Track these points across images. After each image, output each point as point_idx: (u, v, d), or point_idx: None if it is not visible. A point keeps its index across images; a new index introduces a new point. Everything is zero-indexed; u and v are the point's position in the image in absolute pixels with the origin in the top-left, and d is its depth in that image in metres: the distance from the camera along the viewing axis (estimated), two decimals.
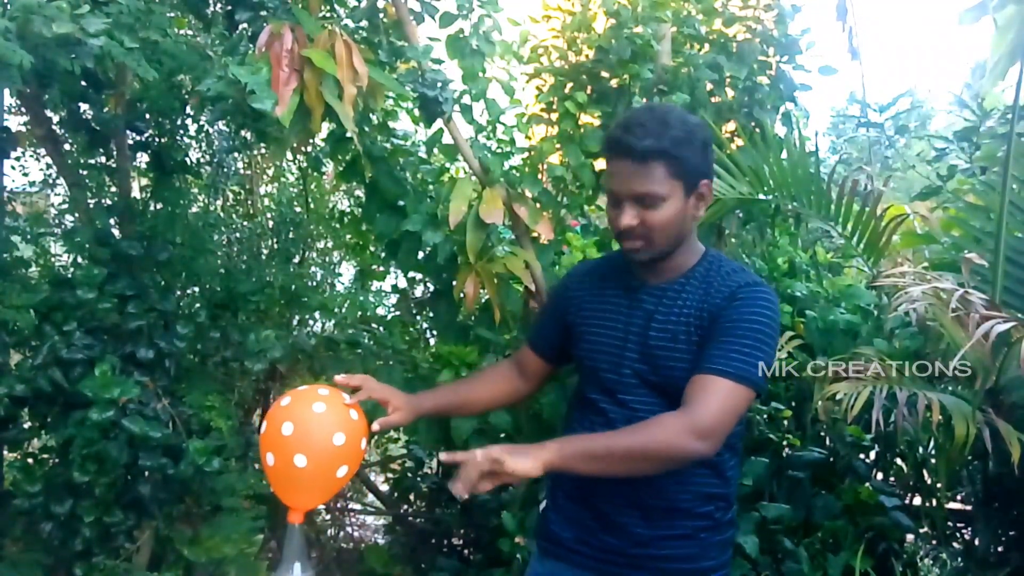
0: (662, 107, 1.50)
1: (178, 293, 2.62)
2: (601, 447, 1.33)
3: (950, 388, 2.15)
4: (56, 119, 2.43)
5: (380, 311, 3.12)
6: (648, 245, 1.44)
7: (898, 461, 2.93)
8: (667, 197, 1.39)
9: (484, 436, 2.29)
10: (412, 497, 3.28)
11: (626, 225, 1.42)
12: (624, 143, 1.39)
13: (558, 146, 2.49)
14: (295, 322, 3.05)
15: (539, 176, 2.48)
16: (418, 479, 3.22)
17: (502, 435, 2.36)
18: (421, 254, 2.44)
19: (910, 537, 2.68)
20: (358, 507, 3.48)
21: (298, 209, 3.21)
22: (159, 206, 2.58)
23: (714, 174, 1.50)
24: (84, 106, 2.42)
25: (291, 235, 3.13)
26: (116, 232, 2.43)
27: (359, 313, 2.92)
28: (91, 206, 2.47)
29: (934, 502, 2.71)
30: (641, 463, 1.34)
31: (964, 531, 2.72)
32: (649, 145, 1.36)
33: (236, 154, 3.07)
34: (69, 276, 2.31)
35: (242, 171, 3.23)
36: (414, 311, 3.10)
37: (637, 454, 1.32)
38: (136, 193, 2.65)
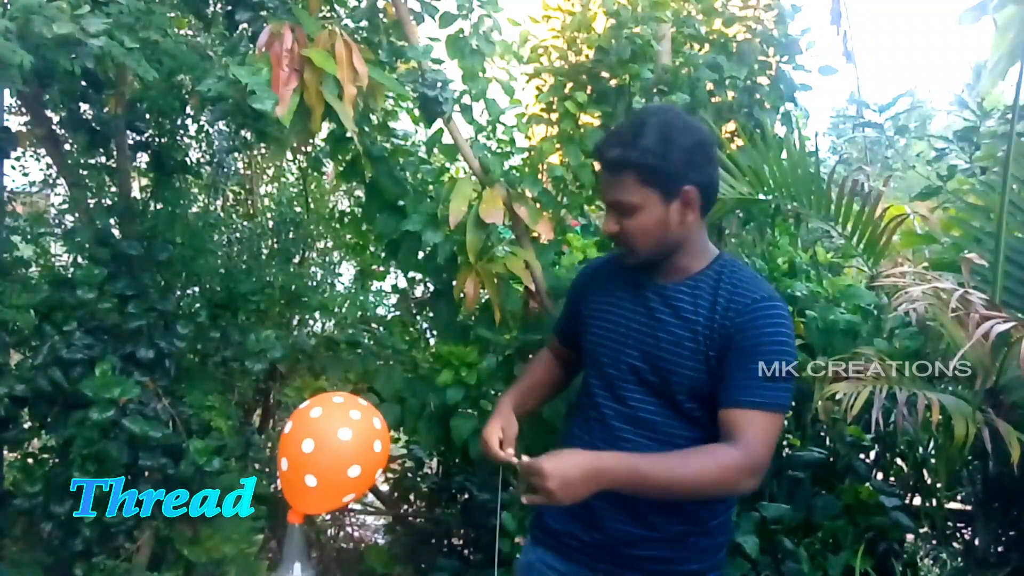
0: (648, 113, 1.46)
1: (178, 293, 2.62)
2: (652, 474, 1.31)
3: (950, 388, 2.15)
4: (56, 119, 2.43)
5: (380, 311, 3.12)
6: (631, 251, 1.44)
7: (898, 461, 2.93)
8: (640, 205, 1.38)
9: None
10: (412, 497, 3.28)
11: (607, 231, 1.45)
12: (598, 153, 1.43)
13: (558, 146, 2.49)
14: (295, 322, 3.05)
15: (539, 176, 2.48)
16: (418, 479, 3.22)
17: None
18: (421, 254, 2.44)
19: (910, 537, 2.68)
20: (358, 507, 3.47)
21: (298, 209, 3.21)
22: (159, 206, 2.58)
23: (710, 176, 1.44)
24: (84, 106, 2.42)
25: (291, 235, 3.13)
26: (116, 232, 2.43)
27: (359, 313, 2.92)
28: (91, 206, 2.47)
29: (934, 502, 2.71)
30: (694, 494, 1.37)
31: (964, 531, 2.72)
32: (616, 155, 1.38)
33: (236, 154, 3.07)
34: (69, 276, 2.31)
35: (242, 171, 3.23)
36: (414, 311, 3.10)
37: (690, 486, 1.33)
38: (136, 193, 2.65)
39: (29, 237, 2.40)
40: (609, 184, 1.41)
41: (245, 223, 3.19)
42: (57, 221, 2.65)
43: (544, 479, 1.24)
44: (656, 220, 1.39)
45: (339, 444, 1.38)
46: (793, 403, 2.99)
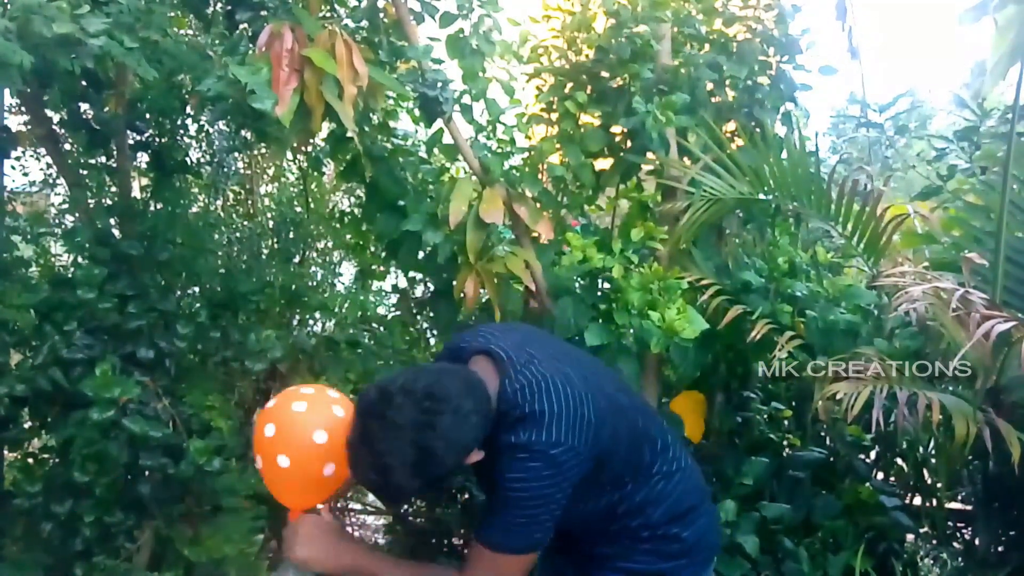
0: (370, 464, 1.28)
1: (178, 293, 2.62)
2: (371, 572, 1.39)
3: (950, 388, 2.15)
4: (56, 119, 2.43)
5: (380, 311, 3.12)
6: None
7: (898, 461, 2.93)
8: None
9: None
10: (412, 497, 3.27)
11: None
12: None
13: (558, 146, 2.49)
14: (295, 322, 3.04)
15: (539, 176, 2.48)
16: None
17: None
18: (421, 254, 2.44)
19: (910, 537, 2.68)
20: (358, 507, 3.47)
21: (298, 209, 3.21)
22: (159, 206, 2.58)
23: (474, 443, 1.29)
24: (84, 106, 2.42)
25: (291, 235, 3.13)
26: (116, 232, 2.44)
27: (359, 313, 2.92)
28: (91, 206, 2.47)
29: (934, 502, 2.71)
30: None
31: (964, 531, 2.72)
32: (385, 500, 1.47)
33: (236, 154, 3.07)
34: (69, 276, 2.31)
35: (242, 171, 3.23)
36: (414, 311, 3.10)
37: None
38: (136, 193, 2.65)
39: (29, 237, 2.40)
40: None
41: (245, 223, 3.19)
42: (57, 221, 2.65)
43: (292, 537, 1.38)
44: None
45: (296, 415, 1.39)
46: (793, 403, 3.00)
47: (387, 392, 1.25)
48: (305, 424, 1.39)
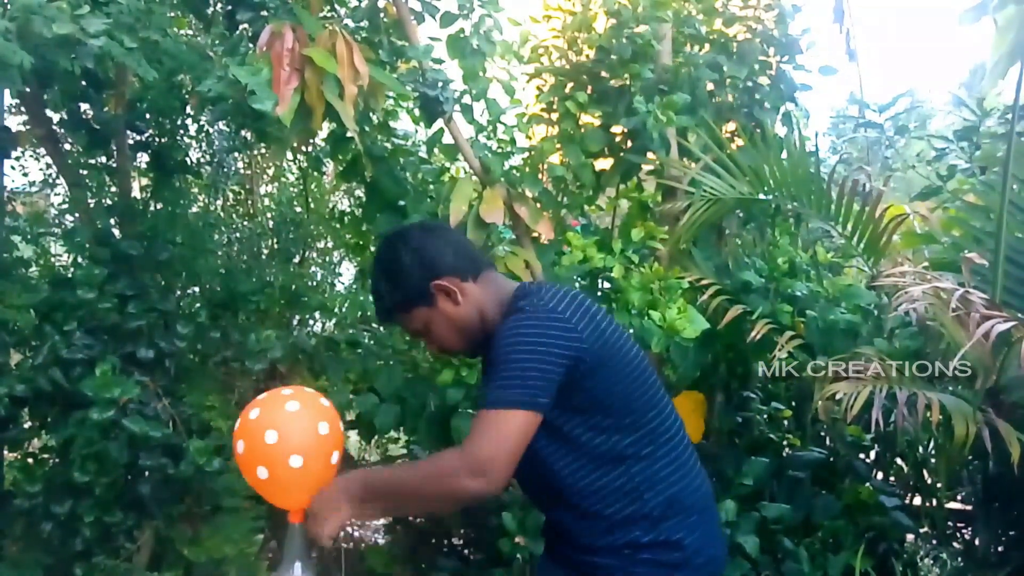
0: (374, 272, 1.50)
1: (178, 293, 2.63)
2: (382, 482, 1.42)
3: (950, 388, 2.15)
4: (56, 119, 2.43)
5: None
6: (450, 349, 1.52)
7: (898, 461, 2.93)
8: (425, 323, 1.46)
9: None
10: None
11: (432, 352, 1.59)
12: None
13: (558, 146, 2.49)
14: (295, 322, 3.04)
15: (539, 176, 2.48)
16: None
17: None
18: None
19: (910, 537, 2.68)
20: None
21: (298, 209, 3.21)
22: (159, 206, 2.58)
23: (430, 260, 1.44)
24: (84, 106, 2.42)
25: (291, 235, 3.13)
26: (116, 232, 2.43)
27: (359, 313, 2.92)
28: (91, 206, 2.47)
29: (934, 502, 2.71)
30: (425, 502, 1.43)
31: (964, 531, 2.72)
32: (378, 314, 1.54)
33: (236, 154, 3.07)
34: (69, 276, 2.31)
35: (242, 171, 3.23)
36: None
37: (418, 493, 1.38)
38: (136, 193, 2.65)
39: (29, 237, 2.40)
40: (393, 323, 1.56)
41: (245, 223, 3.19)
42: (57, 221, 2.65)
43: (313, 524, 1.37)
44: (440, 323, 1.46)
45: (293, 415, 1.39)
46: (793, 403, 3.00)
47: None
48: (307, 419, 1.39)
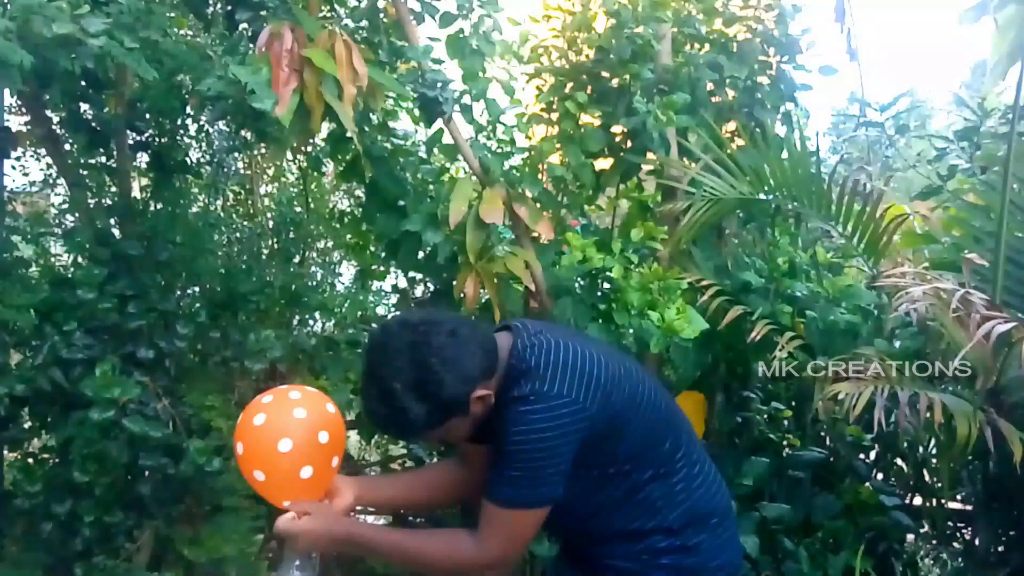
0: (372, 386, 1.30)
1: (178, 293, 2.62)
2: (380, 544, 1.42)
3: (950, 388, 2.15)
4: (56, 119, 2.43)
5: (380, 311, 3.12)
6: (459, 442, 1.47)
7: (898, 461, 2.93)
8: (449, 429, 1.35)
9: None
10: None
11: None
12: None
13: (558, 146, 2.49)
14: (295, 322, 3.04)
15: (539, 176, 2.48)
16: None
17: None
18: (421, 254, 2.44)
19: (910, 537, 2.68)
20: (358, 507, 3.46)
21: (298, 209, 3.21)
22: (159, 206, 2.58)
23: (479, 377, 1.29)
24: (84, 106, 2.42)
25: (291, 235, 3.13)
26: (116, 232, 2.44)
27: (359, 313, 2.92)
28: (91, 206, 2.47)
29: (934, 502, 2.70)
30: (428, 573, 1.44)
31: (964, 531, 2.72)
32: (395, 435, 1.47)
33: (236, 154, 3.07)
34: (69, 276, 2.31)
35: (242, 171, 3.23)
36: None
37: (425, 566, 1.40)
38: (136, 193, 2.65)
39: (29, 237, 2.40)
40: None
41: (245, 223, 3.19)
42: (57, 221, 2.65)
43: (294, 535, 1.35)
44: (469, 423, 1.36)
45: (299, 421, 1.39)
46: (793, 403, 2.99)
47: (386, 325, 1.34)
48: (311, 427, 1.39)
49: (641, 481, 1.40)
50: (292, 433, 1.36)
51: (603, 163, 2.61)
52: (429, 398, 1.26)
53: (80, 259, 2.38)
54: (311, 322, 3.11)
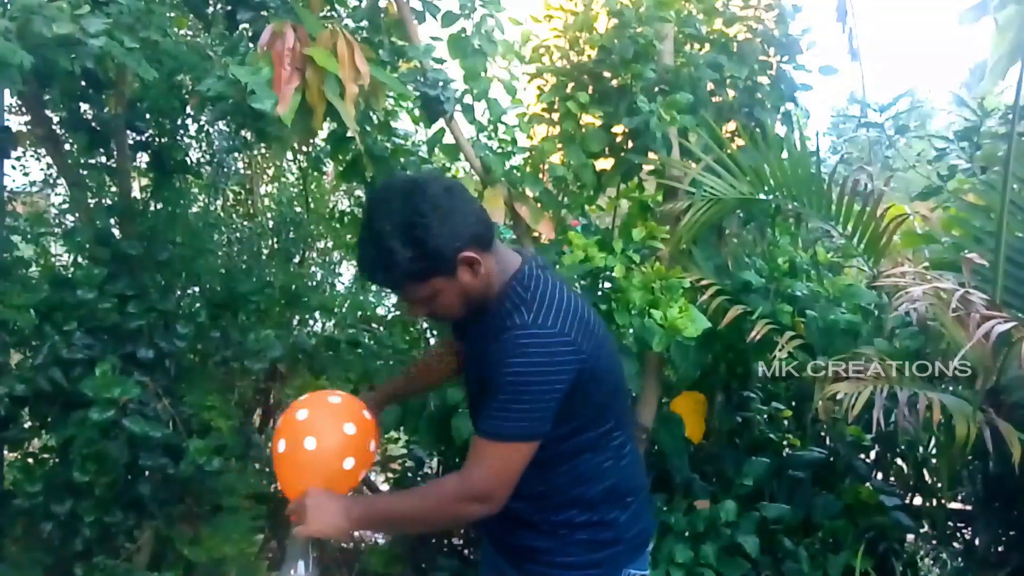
0: (372, 224, 1.31)
1: (178, 293, 2.62)
2: (384, 510, 1.44)
3: (950, 388, 2.15)
4: (56, 119, 2.43)
5: (380, 311, 3.12)
6: (447, 318, 1.44)
7: (898, 461, 2.94)
8: (435, 292, 1.33)
9: None
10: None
11: (417, 316, 1.45)
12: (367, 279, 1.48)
13: (559, 146, 2.49)
14: (295, 322, 3.04)
15: (540, 176, 2.48)
16: (418, 479, 3.22)
17: None
18: None
19: (910, 537, 2.68)
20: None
21: (298, 209, 3.21)
22: (159, 206, 2.58)
23: (458, 229, 1.29)
24: (84, 106, 2.42)
25: (291, 235, 3.13)
26: (116, 232, 2.43)
27: (359, 313, 2.92)
28: (91, 206, 2.47)
29: (934, 502, 2.71)
30: (426, 526, 1.47)
31: (964, 531, 2.72)
32: (383, 280, 1.44)
33: (236, 154, 3.07)
34: (69, 276, 2.31)
35: (242, 171, 3.23)
36: None
37: (420, 519, 1.41)
38: (136, 193, 2.65)
39: (29, 237, 2.39)
40: (400, 295, 1.42)
41: (245, 223, 3.19)
42: (57, 221, 2.65)
43: (303, 512, 1.35)
44: (454, 293, 1.35)
45: (330, 405, 1.50)
46: (793, 403, 3.00)
47: (383, 184, 1.43)
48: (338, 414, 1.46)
49: (580, 448, 1.42)
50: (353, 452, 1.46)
51: (604, 163, 2.61)
52: (416, 243, 1.26)
53: (80, 259, 2.38)
54: (311, 322, 3.11)
